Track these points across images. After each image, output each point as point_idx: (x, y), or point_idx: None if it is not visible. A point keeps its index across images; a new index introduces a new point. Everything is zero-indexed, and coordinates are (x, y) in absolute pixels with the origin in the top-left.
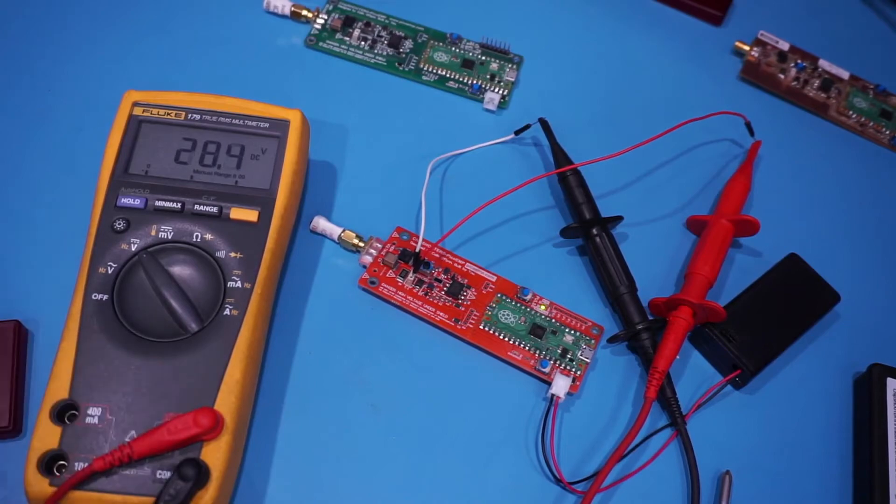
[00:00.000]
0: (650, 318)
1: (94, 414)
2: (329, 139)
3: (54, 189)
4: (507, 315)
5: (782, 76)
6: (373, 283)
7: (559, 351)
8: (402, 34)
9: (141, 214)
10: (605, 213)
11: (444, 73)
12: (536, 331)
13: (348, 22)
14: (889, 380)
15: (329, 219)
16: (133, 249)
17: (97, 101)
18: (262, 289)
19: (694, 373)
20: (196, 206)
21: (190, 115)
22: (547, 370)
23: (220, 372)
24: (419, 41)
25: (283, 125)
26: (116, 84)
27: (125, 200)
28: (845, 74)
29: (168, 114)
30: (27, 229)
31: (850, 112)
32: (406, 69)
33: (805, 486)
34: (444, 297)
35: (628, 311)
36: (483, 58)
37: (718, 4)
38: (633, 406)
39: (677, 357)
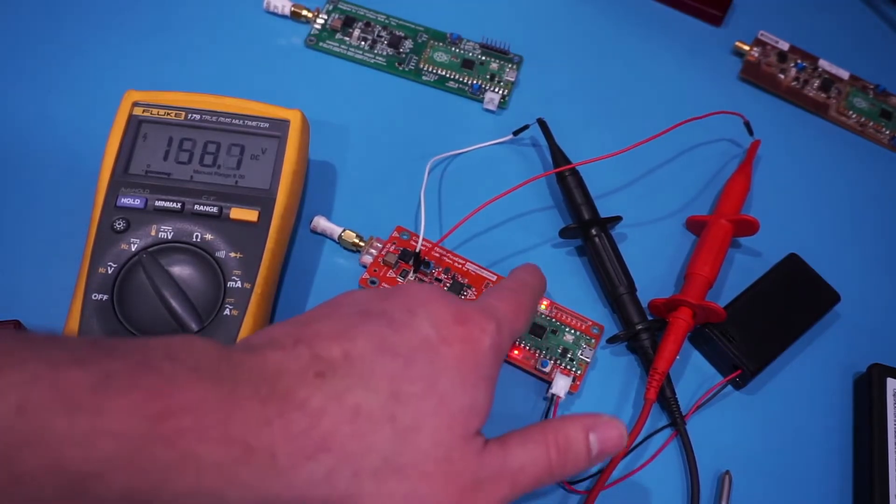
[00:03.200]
0: (650, 318)
1: None
2: (329, 139)
3: (54, 189)
4: None
5: (782, 76)
6: (373, 283)
7: (559, 350)
8: (402, 34)
9: (141, 214)
10: (604, 214)
11: (444, 73)
12: (536, 330)
13: (348, 22)
14: (889, 380)
15: (329, 219)
16: (133, 249)
17: (97, 101)
18: (262, 289)
19: (694, 373)
20: (196, 206)
21: (190, 115)
22: (547, 370)
23: None
24: (419, 41)
25: (283, 125)
26: (116, 84)
27: (125, 200)
28: (845, 74)
29: (168, 114)
30: (27, 229)
31: (850, 112)
32: (406, 69)
33: (805, 486)
34: None
35: (627, 312)
36: (483, 58)
37: (718, 4)
38: (634, 407)
39: (677, 358)
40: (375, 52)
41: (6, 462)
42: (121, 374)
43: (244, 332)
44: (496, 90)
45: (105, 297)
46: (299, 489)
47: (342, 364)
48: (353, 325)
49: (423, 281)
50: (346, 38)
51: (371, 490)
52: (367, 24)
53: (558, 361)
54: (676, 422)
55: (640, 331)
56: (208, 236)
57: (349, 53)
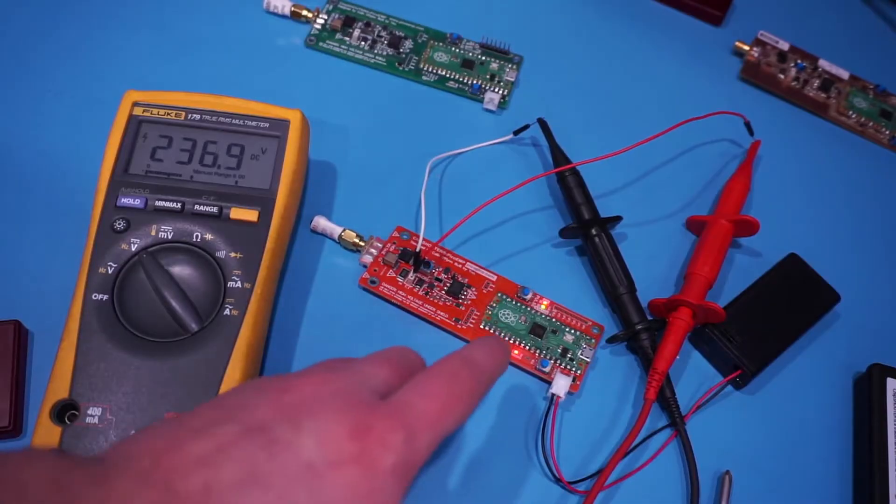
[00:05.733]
0: (650, 318)
1: (94, 414)
2: (329, 139)
3: (54, 189)
4: (508, 314)
5: (782, 76)
6: (373, 282)
7: (559, 350)
8: (402, 34)
9: (141, 214)
10: (604, 214)
11: (444, 73)
12: (537, 330)
13: (348, 22)
14: (889, 380)
15: (329, 218)
16: (133, 249)
17: (97, 101)
18: (262, 289)
19: (694, 373)
20: (196, 206)
21: (190, 115)
22: (547, 369)
23: (220, 372)
24: (419, 41)
25: (283, 125)
26: (116, 84)
27: (125, 200)
28: (845, 74)
29: (168, 114)
30: (27, 229)
31: (850, 112)
32: (406, 69)
33: (805, 486)
34: (445, 296)
35: (627, 312)
36: (483, 58)
37: (718, 4)
38: (634, 406)
39: (677, 358)
40: (375, 52)
41: None
42: None
43: (244, 331)
44: (496, 90)
45: (105, 297)
46: None
47: (199, 500)
48: (224, 445)
49: (423, 281)
50: (346, 38)
51: None
52: (367, 24)
53: (558, 361)
54: (676, 422)
55: (640, 331)
56: (208, 236)
57: (349, 53)
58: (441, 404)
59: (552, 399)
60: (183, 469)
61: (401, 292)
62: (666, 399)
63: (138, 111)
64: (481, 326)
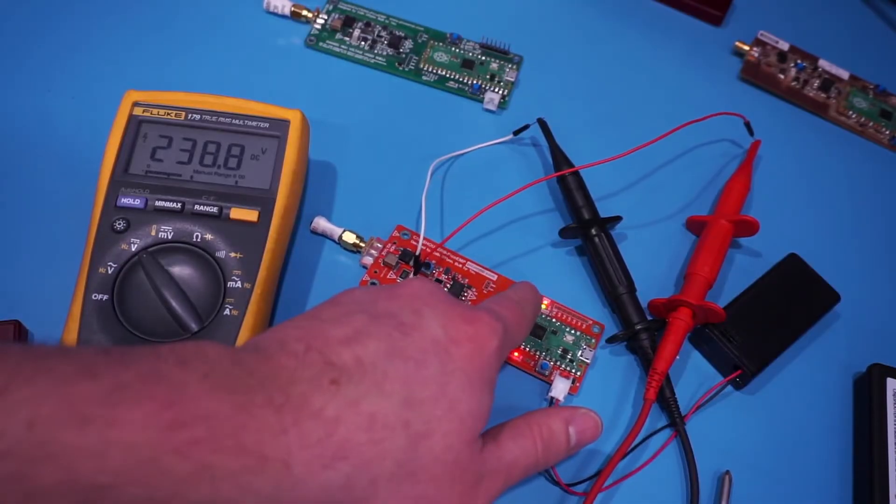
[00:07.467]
0: (649, 318)
1: None
2: (329, 139)
3: (54, 189)
4: None
5: (782, 76)
6: (373, 284)
7: (559, 351)
8: (402, 34)
9: (141, 214)
10: (604, 214)
11: (444, 73)
12: (537, 331)
13: (348, 22)
14: (889, 380)
15: (329, 219)
16: (133, 249)
17: (97, 101)
18: (262, 289)
19: (694, 373)
20: (196, 206)
21: (190, 115)
22: (547, 372)
23: None
24: (419, 41)
25: (283, 125)
26: (116, 84)
27: (125, 200)
28: (845, 74)
29: (168, 114)
30: (27, 229)
31: (850, 112)
32: (406, 69)
33: (805, 486)
34: None
35: (627, 312)
36: (483, 58)
37: (718, 4)
38: (633, 406)
39: (677, 358)
40: (375, 52)
41: (19, 478)
42: (132, 384)
43: (244, 332)
44: (496, 90)
45: (105, 297)
46: (315, 497)
47: (355, 370)
48: (361, 328)
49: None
50: (346, 38)
51: (385, 494)
52: (367, 24)
53: (558, 363)
54: (676, 422)
55: (640, 331)
56: (208, 236)
57: (349, 53)
58: (517, 317)
59: (551, 402)
60: (333, 348)
61: None
62: (666, 399)
63: (138, 111)
64: None
